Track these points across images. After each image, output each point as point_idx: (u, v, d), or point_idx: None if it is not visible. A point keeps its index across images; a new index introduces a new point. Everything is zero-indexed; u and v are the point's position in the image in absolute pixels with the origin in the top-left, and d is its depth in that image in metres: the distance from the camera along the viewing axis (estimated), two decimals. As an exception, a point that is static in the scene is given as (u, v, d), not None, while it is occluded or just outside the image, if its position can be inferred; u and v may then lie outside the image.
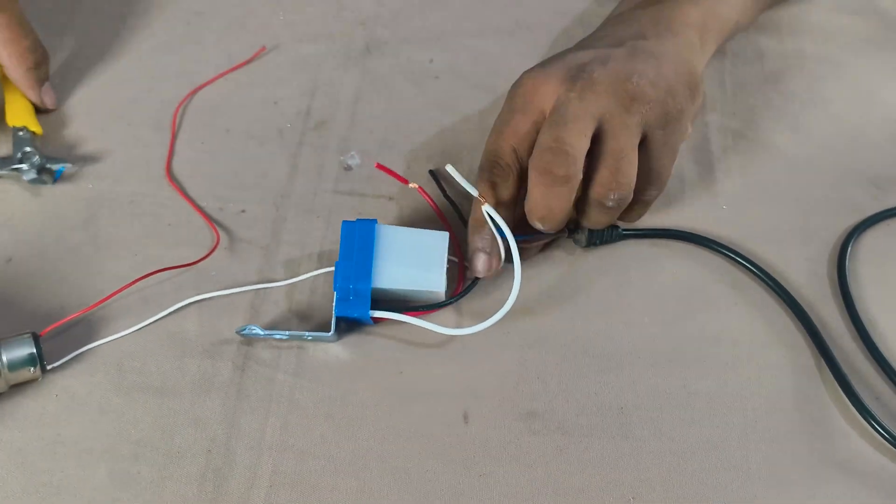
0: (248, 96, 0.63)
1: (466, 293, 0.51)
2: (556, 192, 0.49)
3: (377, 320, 0.50)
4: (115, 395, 0.48)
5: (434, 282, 0.50)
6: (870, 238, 0.57)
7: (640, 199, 0.53)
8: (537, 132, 0.50)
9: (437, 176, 0.58)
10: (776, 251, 0.56)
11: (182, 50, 0.65)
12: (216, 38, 0.66)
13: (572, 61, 0.52)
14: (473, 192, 0.50)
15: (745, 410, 0.50)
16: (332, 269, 0.51)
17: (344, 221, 0.51)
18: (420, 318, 0.50)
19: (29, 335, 0.48)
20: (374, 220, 0.50)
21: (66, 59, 0.65)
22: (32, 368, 0.47)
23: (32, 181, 0.56)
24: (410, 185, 0.53)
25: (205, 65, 0.64)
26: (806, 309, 0.53)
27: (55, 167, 0.57)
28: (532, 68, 0.53)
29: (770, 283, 0.54)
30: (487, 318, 0.48)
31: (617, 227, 0.55)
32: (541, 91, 0.51)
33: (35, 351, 0.47)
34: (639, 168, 0.50)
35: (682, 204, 0.58)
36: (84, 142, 0.60)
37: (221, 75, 0.64)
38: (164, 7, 0.68)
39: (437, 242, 0.51)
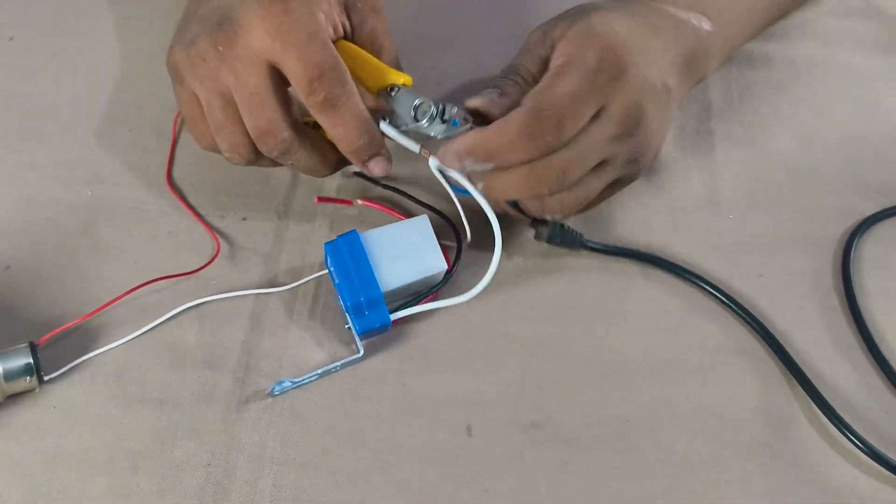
0: (249, 101, 0.62)
1: (458, 261, 0.52)
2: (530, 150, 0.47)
3: (395, 322, 0.50)
4: (114, 406, 0.48)
5: (435, 264, 0.50)
6: (872, 241, 0.57)
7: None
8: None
9: (363, 175, 0.57)
10: (781, 261, 0.56)
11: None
12: (217, 42, 0.66)
13: (611, 49, 0.49)
14: (414, 147, 0.49)
15: (750, 424, 0.49)
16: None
17: (326, 243, 0.50)
18: (436, 301, 0.50)
19: (26, 345, 0.47)
20: (355, 231, 0.50)
21: (66, 62, 0.64)
22: (29, 378, 0.47)
23: (445, 137, 0.49)
24: (355, 203, 0.56)
25: (206, 69, 0.63)
26: (776, 335, 0.52)
27: (453, 112, 0.49)
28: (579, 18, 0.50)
29: (735, 307, 0.53)
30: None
31: (580, 234, 0.54)
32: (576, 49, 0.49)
33: (32, 361, 0.47)
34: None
35: (687, 212, 0.58)
36: (85, 147, 0.59)
37: (222, 80, 0.63)
38: (167, 10, 0.68)
39: (421, 227, 0.51)
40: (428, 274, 0.50)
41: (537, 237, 0.53)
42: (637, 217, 0.57)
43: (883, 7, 0.70)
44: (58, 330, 0.49)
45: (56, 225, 0.55)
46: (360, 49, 0.51)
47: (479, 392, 0.50)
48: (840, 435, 0.49)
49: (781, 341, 0.52)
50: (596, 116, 0.48)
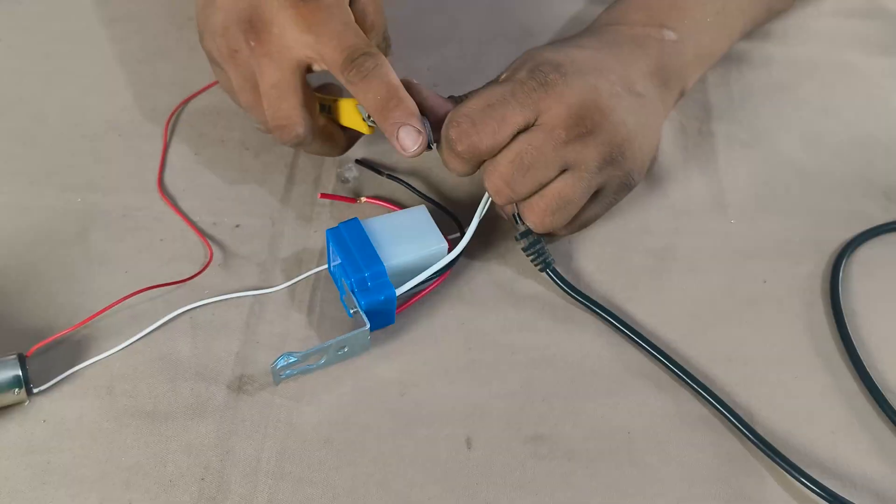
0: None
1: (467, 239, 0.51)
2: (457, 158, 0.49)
3: (399, 311, 0.51)
4: (105, 419, 0.47)
5: (435, 242, 0.51)
6: (867, 252, 0.56)
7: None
8: None
9: (367, 163, 0.58)
10: (785, 266, 0.55)
11: (175, 56, 0.64)
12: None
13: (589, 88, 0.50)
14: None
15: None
16: (325, 266, 0.53)
17: (328, 230, 0.51)
18: (432, 268, 0.51)
19: (14, 356, 0.46)
20: (356, 218, 0.51)
21: (56, 65, 0.63)
22: (17, 390, 0.46)
23: None
24: (359, 200, 0.57)
25: (198, 72, 0.62)
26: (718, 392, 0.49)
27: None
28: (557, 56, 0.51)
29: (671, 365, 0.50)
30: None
31: (552, 261, 0.53)
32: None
33: (21, 373, 0.46)
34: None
35: (690, 217, 0.57)
36: (76, 153, 0.58)
37: (216, 83, 0.62)
38: (157, 13, 0.67)
39: (419, 214, 0.53)
40: (429, 252, 0.51)
41: (515, 236, 0.52)
42: (637, 220, 0.57)
43: (885, 6, 0.70)
44: (47, 340, 0.48)
45: (46, 232, 0.54)
46: None
47: (480, 404, 0.49)
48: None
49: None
50: (534, 124, 0.48)
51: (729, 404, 0.48)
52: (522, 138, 0.48)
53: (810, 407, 0.49)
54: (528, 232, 0.51)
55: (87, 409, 0.47)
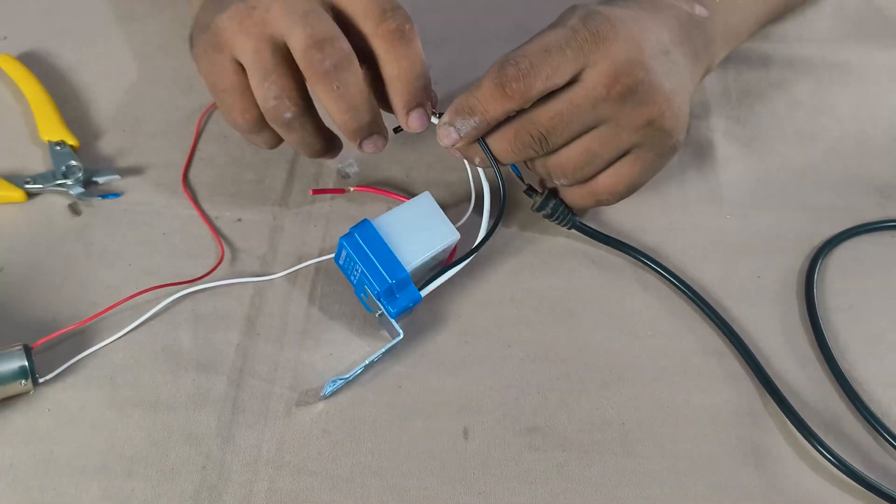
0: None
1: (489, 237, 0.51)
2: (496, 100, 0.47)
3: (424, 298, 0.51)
4: (108, 409, 0.48)
5: (448, 233, 0.51)
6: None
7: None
8: None
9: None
10: (780, 262, 0.56)
11: (178, 53, 0.64)
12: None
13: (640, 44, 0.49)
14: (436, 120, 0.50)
15: (751, 426, 0.49)
16: (328, 257, 0.53)
17: (342, 237, 0.50)
18: (455, 266, 0.51)
19: (20, 347, 0.47)
20: (367, 220, 0.50)
21: (60, 62, 0.64)
22: (24, 381, 0.47)
23: (81, 196, 0.55)
24: (348, 190, 0.57)
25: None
26: (752, 347, 0.52)
27: (102, 179, 0.56)
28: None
29: (710, 314, 0.53)
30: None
31: (576, 215, 0.54)
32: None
33: (27, 364, 0.47)
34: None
35: (686, 211, 0.58)
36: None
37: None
38: (160, 10, 0.67)
39: (426, 203, 0.52)
40: (444, 245, 0.51)
41: (534, 208, 0.53)
42: (634, 215, 0.57)
43: (881, 6, 0.70)
44: (53, 335, 0.49)
45: (50, 227, 0.55)
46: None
47: (477, 396, 0.49)
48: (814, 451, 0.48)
49: (762, 351, 0.52)
50: (581, 77, 0.47)
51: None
52: (564, 94, 0.47)
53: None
54: (547, 200, 0.52)
55: (90, 399, 0.48)
